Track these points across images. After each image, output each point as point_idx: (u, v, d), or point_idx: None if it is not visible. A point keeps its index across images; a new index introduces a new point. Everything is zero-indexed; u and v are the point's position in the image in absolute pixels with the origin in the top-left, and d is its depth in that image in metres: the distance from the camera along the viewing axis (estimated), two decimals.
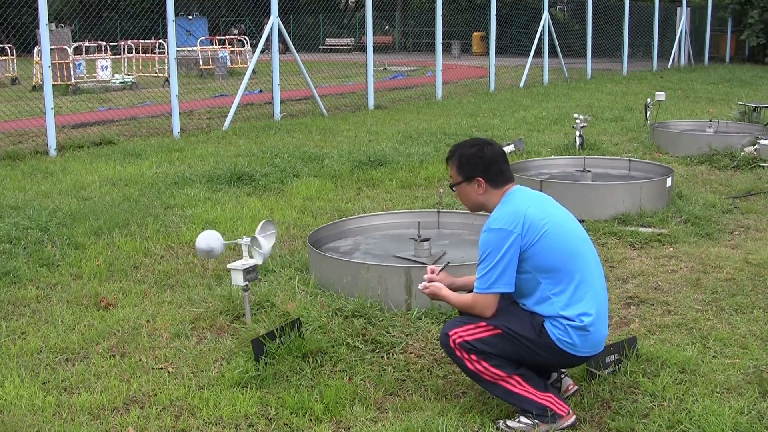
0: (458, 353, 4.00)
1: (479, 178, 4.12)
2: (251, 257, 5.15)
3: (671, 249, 7.03)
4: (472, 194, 4.17)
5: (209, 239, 5.04)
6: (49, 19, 12.09)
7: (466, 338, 3.97)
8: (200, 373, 4.66)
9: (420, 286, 4.27)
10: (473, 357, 3.98)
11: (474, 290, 4.01)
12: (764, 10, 32.82)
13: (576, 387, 4.31)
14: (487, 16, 22.23)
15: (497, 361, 3.97)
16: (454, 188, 4.24)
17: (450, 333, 4.01)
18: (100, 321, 5.43)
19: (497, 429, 4.02)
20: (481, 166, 4.12)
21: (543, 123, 15.01)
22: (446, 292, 4.20)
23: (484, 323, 3.98)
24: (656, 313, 5.59)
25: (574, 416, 4.02)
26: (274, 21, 15.56)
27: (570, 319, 3.90)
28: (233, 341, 5.02)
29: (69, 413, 4.23)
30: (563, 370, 4.34)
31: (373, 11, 17.81)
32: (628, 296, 5.91)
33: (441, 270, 4.35)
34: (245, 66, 22.43)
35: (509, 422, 4.02)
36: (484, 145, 4.18)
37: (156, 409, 4.27)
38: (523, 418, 3.99)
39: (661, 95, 13.77)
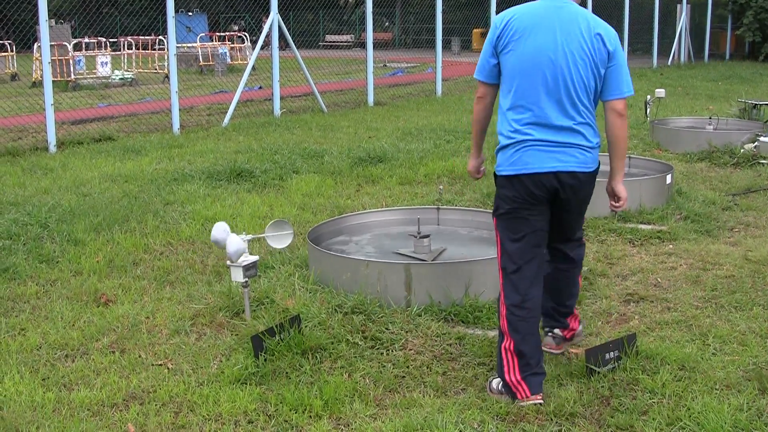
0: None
1: None
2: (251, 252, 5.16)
3: (671, 246, 7.03)
4: None
5: (218, 231, 5.07)
6: (48, 15, 12.07)
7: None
8: (200, 370, 4.66)
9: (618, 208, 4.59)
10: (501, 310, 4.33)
11: None
12: (759, 11, 32.99)
13: (559, 351, 4.71)
14: (487, 12, 22.21)
15: (507, 288, 4.29)
16: None
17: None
18: (100, 317, 5.43)
19: (488, 381, 4.45)
20: None
21: None
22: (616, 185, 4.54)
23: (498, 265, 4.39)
24: (656, 310, 5.60)
25: (538, 399, 4.22)
26: (273, 17, 15.55)
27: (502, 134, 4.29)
28: (233, 338, 5.02)
29: (68, 409, 4.23)
30: (549, 328, 4.74)
31: (373, 8, 17.79)
32: (627, 293, 5.91)
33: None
34: (245, 62, 22.39)
35: (493, 382, 4.38)
36: None
37: (155, 405, 4.27)
38: (501, 386, 4.34)
39: (661, 92, 13.75)
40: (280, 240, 5.33)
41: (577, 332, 4.91)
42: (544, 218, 4.31)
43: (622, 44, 27.56)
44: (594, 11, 26.07)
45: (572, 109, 4.21)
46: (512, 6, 4.33)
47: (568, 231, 4.54)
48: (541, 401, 4.20)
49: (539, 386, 4.24)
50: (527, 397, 4.20)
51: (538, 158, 4.19)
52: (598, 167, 4.36)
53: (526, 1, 4.29)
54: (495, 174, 4.34)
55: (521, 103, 4.22)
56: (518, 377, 4.23)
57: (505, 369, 4.26)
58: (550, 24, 4.18)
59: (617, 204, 4.57)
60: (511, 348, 4.24)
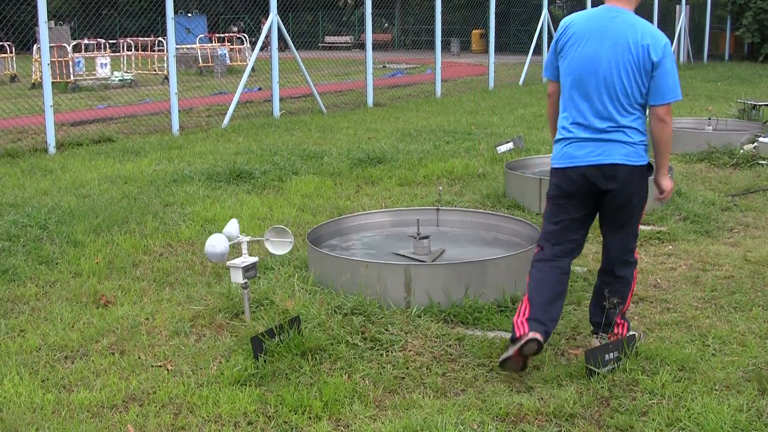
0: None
1: None
2: (250, 255, 5.16)
3: (670, 247, 7.03)
4: None
5: (220, 243, 5.06)
6: (48, 16, 12.08)
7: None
8: (199, 371, 4.66)
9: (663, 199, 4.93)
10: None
11: None
12: (758, 11, 33.03)
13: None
14: (487, 13, 22.22)
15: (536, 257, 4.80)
16: None
17: None
18: (99, 319, 5.43)
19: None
20: None
21: (542, 121, 15.00)
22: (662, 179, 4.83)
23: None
24: (655, 310, 5.60)
25: (535, 335, 4.49)
26: (273, 18, 15.56)
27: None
28: (232, 339, 5.02)
29: (68, 411, 4.23)
30: (595, 331, 4.93)
31: (373, 9, 17.80)
32: None
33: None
34: (244, 63, 22.41)
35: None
36: None
37: (155, 406, 4.27)
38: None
39: None
40: (279, 246, 5.32)
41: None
42: (583, 211, 4.72)
43: None
44: None
45: (614, 113, 4.56)
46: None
47: (616, 239, 4.83)
48: (538, 338, 4.45)
49: (540, 329, 4.51)
50: (525, 333, 4.48)
51: (578, 153, 4.60)
52: (647, 166, 4.65)
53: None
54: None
55: (569, 105, 4.67)
56: (522, 318, 4.58)
57: (516, 314, 4.65)
58: (601, 33, 4.57)
59: (661, 196, 4.88)
60: (526, 297, 4.66)
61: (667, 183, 4.82)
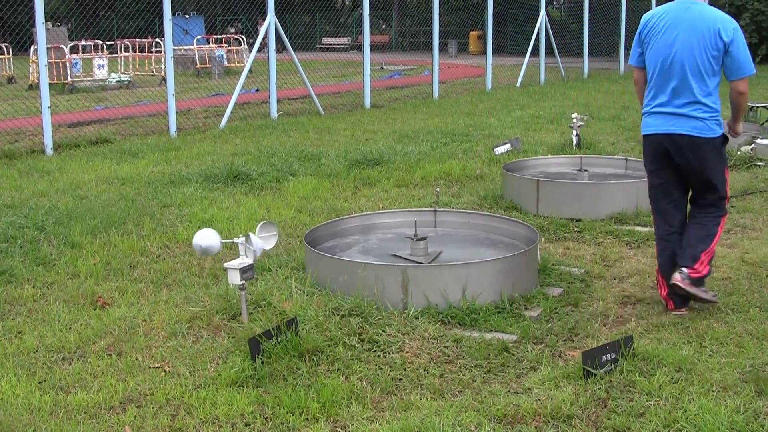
0: None
1: None
2: (245, 255, 5.16)
3: None
4: None
5: (207, 238, 5.05)
6: (45, 17, 12.08)
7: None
8: (197, 372, 4.66)
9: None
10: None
11: None
12: (756, 12, 33.17)
13: (685, 286, 5.46)
14: (484, 15, 22.23)
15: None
16: None
17: None
18: (97, 320, 5.42)
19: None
20: None
21: (540, 122, 15.02)
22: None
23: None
24: (652, 312, 5.60)
25: (682, 311, 5.55)
26: (270, 20, 15.56)
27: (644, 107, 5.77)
28: (230, 340, 5.02)
29: (65, 412, 4.22)
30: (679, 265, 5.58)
31: (370, 10, 17.80)
32: (624, 295, 5.92)
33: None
34: (242, 65, 22.42)
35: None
36: None
37: (152, 408, 4.27)
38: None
39: None
40: (266, 241, 5.32)
41: (704, 275, 5.53)
42: (670, 174, 5.64)
43: (620, 47, 27.70)
44: (591, 13, 26.14)
45: (688, 92, 5.45)
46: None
47: (697, 191, 5.70)
48: (685, 313, 5.51)
49: (681, 302, 5.53)
50: (672, 309, 5.55)
51: (657, 124, 5.58)
52: (718, 138, 5.49)
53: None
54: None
55: (652, 85, 5.65)
56: (665, 294, 5.61)
57: (659, 287, 5.72)
58: (676, 24, 5.48)
59: (733, 134, 5.85)
60: (657, 269, 5.73)
61: (739, 127, 5.83)
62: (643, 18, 5.73)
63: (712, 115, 5.45)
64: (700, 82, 5.42)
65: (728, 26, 5.37)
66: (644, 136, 5.70)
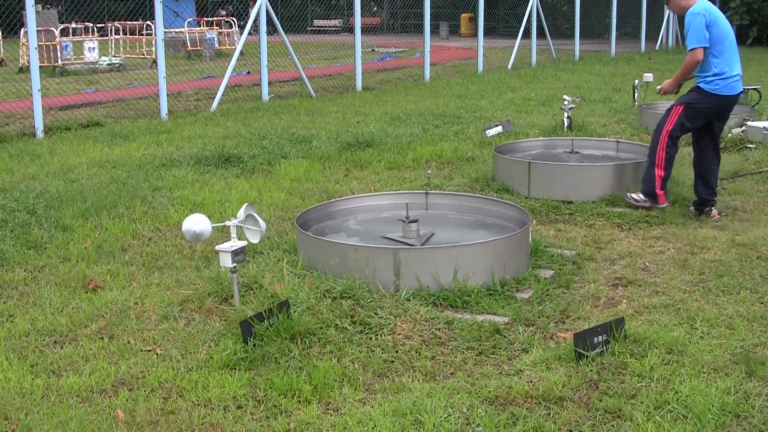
0: (662, 142, 7.43)
1: None
2: (239, 239, 5.15)
3: (659, 230, 7.06)
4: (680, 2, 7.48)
5: (197, 223, 5.03)
6: (35, 0, 12.00)
7: (669, 128, 7.43)
8: (189, 355, 4.66)
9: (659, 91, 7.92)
10: (665, 144, 7.41)
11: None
12: None
13: (720, 215, 7.48)
14: None
15: (674, 147, 7.46)
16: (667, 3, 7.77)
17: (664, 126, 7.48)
18: (88, 303, 5.42)
19: (626, 197, 7.56)
20: None
21: (531, 104, 15.02)
22: (666, 83, 7.87)
23: (675, 108, 7.47)
24: (644, 294, 5.62)
25: (667, 203, 7.48)
26: (261, 2, 15.50)
27: (719, 75, 7.33)
28: (221, 323, 5.02)
29: (57, 396, 4.23)
30: (713, 202, 7.52)
31: None
32: (615, 277, 5.94)
33: None
34: (233, 47, 22.35)
35: (632, 194, 7.53)
36: None
37: (144, 391, 4.28)
38: (641, 195, 7.48)
39: (649, 77, 13.72)
40: (251, 235, 5.28)
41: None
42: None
43: (611, 29, 27.66)
44: None
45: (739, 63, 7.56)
46: None
47: (718, 135, 7.66)
48: (667, 204, 7.45)
49: (667, 198, 7.48)
50: (664, 203, 7.41)
51: (738, 87, 7.47)
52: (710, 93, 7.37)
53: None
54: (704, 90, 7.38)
55: (728, 58, 7.38)
56: (660, 191, 7.37)
57: (656, 184, 7.35)
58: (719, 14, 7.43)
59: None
60: (661, 174, 7.34)
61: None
62: (701, 10, 7.26)
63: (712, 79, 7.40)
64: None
65: None
66: (727, 96, 7.33)
